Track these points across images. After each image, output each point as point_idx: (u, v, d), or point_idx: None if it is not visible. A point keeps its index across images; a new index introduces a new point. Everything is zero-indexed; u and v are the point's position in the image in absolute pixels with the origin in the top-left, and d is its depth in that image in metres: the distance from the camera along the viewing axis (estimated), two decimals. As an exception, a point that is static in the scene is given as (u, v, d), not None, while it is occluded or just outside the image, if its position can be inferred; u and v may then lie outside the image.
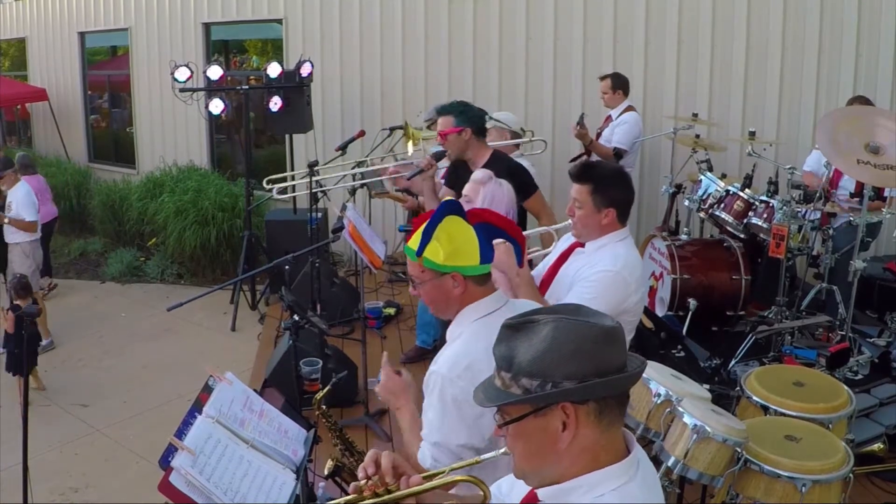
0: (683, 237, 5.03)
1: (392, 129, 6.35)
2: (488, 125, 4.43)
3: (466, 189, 3.37)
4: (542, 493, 1.35)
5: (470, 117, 3.74)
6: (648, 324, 4.06)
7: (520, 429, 1.29)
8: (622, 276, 2.60)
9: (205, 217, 7.50)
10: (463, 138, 3.73)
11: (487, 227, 2.04)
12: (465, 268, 1.95)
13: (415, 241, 1.98)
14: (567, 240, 2.92)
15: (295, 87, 6.65)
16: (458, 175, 3.88)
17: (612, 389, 1.26)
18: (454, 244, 1.94)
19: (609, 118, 5.78)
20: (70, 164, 10.52)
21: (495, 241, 2.10)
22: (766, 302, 4.48)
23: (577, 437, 1.27)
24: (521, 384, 1.25)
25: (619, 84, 5.74)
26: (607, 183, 2.66)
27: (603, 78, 5.81)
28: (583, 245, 2.77)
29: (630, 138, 5.60)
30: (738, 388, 3.05)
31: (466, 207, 3.28)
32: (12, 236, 6.34)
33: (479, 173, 3.39)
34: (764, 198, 4.44)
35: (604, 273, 2.60)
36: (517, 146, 4.50)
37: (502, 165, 3.75)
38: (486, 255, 1.98)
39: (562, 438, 1.26)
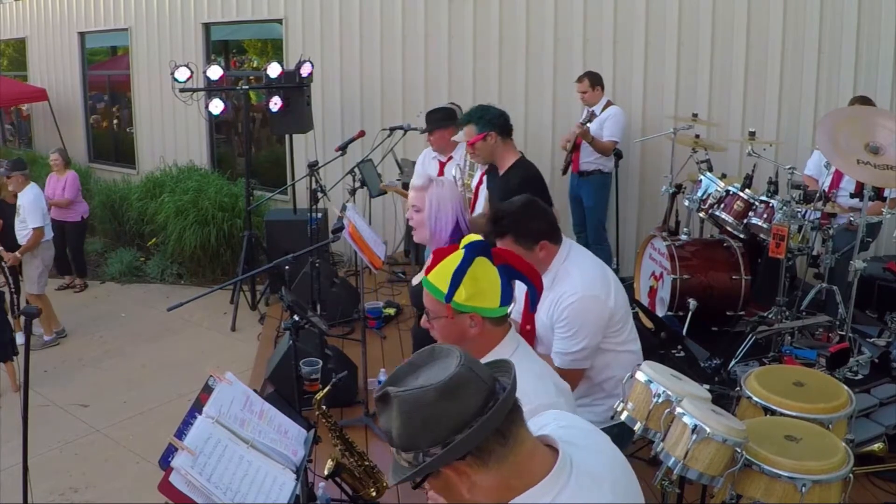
0: (683, 237, 5.02)
1: (392, 129, 6.35)
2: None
3: (411, 198, 3.29)
4: None
5: (490, 120, 3.67)
6: (648, 324, 4.06)
7: (431, 484, 1.32)
8: (589, 296, 2.61)
9: (205, 217, 7.51)
10: (489, 143, 3.68)
11: (508, 269, 2.00)
12: (484, 309, 1.92)
13: (438, 279, 1.93)
14: None
15: (295, 88, 6.65)
16: (491, 179, 3.86)
17: (474, 441, 1.23)
18: (478, 286, 1.91)
19: (593, 115, 5.83)
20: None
21: None
22: (766, 302, 4.48)
23: (476, 485, 1.27)
24: (403, 457, 1.27)
25: (597, 81, 5.93)
26: (522, 223, 2.64)
27: (579, 79, 5.98)
28: None
29: (620, 129, 5.79)
30: (738, 388, 3.04)
31: (415, 217, 3.27)
32: (22, 236, 6.36)
33: (417, 179, 3.31)
34: (764, 198, 4.44)
35: (570, 306, 2.60)
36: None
37: (519, 172, 3.68)
38: (507, 296, 1.96)
39: (462, 491, 1.28)
